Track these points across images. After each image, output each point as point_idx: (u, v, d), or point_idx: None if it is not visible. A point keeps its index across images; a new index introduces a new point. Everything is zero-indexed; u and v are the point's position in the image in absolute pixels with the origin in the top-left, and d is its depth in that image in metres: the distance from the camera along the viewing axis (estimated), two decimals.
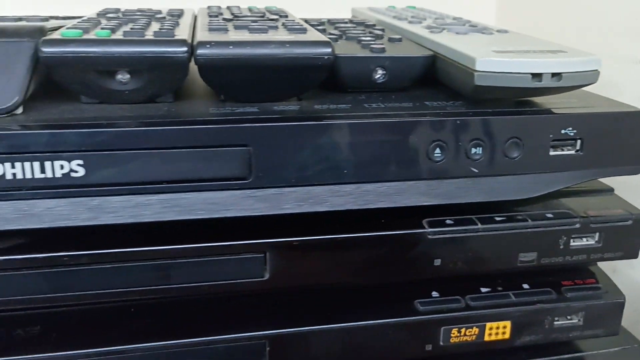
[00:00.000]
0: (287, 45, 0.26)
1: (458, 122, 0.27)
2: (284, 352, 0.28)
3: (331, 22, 0.40)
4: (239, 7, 0.40)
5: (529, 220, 0.29)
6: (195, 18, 0.35)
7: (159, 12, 0.37)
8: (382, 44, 0.31)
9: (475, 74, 0.26)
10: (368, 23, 0.39)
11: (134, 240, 0.26)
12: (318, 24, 0.37)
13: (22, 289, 0.25)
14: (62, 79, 0.26)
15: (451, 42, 0.29)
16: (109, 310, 0.28)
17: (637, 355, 0.34)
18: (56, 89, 0.27)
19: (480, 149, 0.27)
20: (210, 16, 0.35)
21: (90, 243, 0.25)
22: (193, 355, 0.28)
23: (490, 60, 0.26)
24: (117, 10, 0.36)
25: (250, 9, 0.39)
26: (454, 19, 0.40)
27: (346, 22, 0.39)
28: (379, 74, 0.30)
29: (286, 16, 0.36)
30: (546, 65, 0.26)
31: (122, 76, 0.26)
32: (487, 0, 0.70)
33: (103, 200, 0.25)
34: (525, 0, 0.65)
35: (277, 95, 0.28)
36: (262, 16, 0.35)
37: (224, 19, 0.33)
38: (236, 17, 0.33)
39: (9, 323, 0.27)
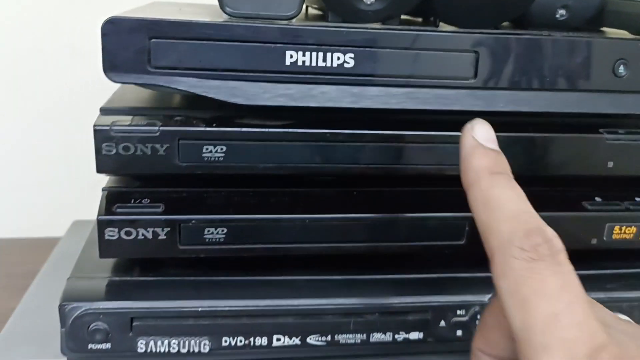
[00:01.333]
0: None
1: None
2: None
3: None
4: None
5: None
6: None
7: None
8: None
9: None
10: None
11: (381, 125, 0.32)
12: None
13: (290, 158, 0.32)
14: None
15: None
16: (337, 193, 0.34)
17: None
18: None
19: None
20: None
21: (349, 124, 0.32)
22: (409, 228, 0.34)
23: None
24: None
25: None
26: None
27: None
28: (559, 13, 0.37)
29: None
30: None
31: None
32: None
33: (363, 89, 0.32)
34: None
35: (484, 22, 0.35)
36: None
37: None
38: None
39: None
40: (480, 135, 0.26)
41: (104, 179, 0.34)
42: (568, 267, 0.22)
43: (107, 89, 0.36)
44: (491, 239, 0.23)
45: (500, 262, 0.22)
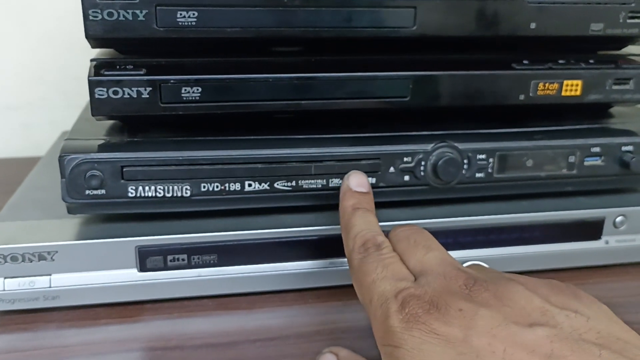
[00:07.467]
0: None
1: None
2: (422, 90, 0.40)
3: None
4: None
5: None
6: None
7: None
8: None
9: None
10: None
11: None
12: None
13: (254, 22, 0.37)
14: None
15: None
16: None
17: None
18: None
19: None
20: None
21: None
22: (360, 86, 0.39)
23: None
24: None
25: None
26: None
27: None
28: None
29: None
30: None
31: None
32: None
33: None
34: None
35: None
36: None
37: None
38: None
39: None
40: (352, 183, 0.37)
41: None
42: (387, 254, 0.32)
43: None
44: (346, 250, 0.34)
45: (350, 263, 0.33)
